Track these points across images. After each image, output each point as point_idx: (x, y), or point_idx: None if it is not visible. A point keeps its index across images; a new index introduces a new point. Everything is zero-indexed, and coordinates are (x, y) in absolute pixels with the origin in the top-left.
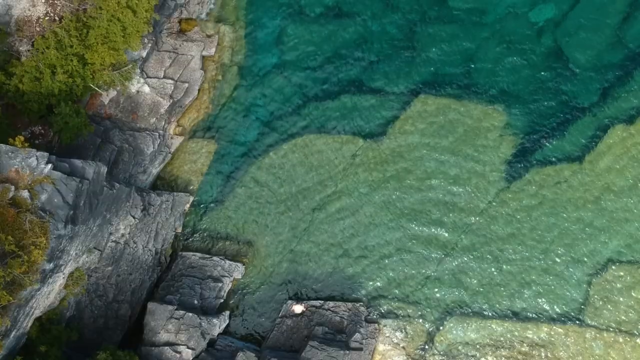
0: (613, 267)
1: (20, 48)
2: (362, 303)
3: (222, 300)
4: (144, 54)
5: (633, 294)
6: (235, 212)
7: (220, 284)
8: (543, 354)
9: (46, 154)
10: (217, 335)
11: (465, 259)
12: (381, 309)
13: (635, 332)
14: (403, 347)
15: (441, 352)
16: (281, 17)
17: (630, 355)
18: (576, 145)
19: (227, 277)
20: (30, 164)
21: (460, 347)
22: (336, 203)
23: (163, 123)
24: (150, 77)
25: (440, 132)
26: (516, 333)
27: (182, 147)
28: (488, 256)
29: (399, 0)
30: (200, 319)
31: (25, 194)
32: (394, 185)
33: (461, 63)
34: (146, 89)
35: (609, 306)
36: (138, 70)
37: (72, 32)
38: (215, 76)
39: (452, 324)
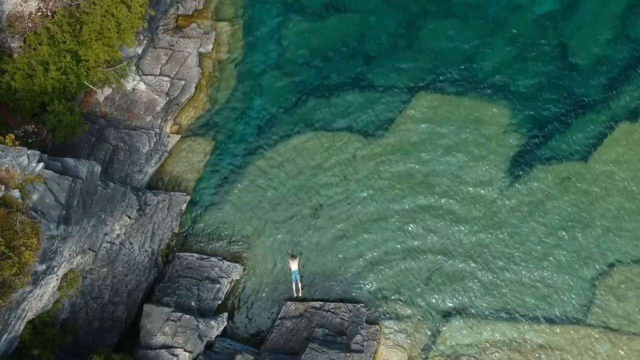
0: (619, 267)
1: (12, 44)
2: (363, 304)
3: (220, 302)
4: (140, 51)
5: (638, 294)
6: (233, 211)
7: (218, 285)
8: (547, 355)
9: (37, 152)
10: (215, 338)
11: (468, 259)
12: (383, 310)
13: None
14: (405, 349)
15: (444, 354)
16: (279, 13)
17: (635, 355)
18: (581, 142)
19: (225, 278)
20: (21, 162)
21: (463, 349)
22: (336, 202)
23: (159, 121)
24: (146, 75)
25: (442, 130)
26: (520, 334)
27: (178, 145)
28: (491, 257)
29: None
30: (197, 321)
31: (16, 193)
32: (394, 185)
33: (463, 59)
34: (142, 86)
35: (613, 307)
36: (133, 68)
37: (65, 27)
38: (212, 73)
39: (455, 325)
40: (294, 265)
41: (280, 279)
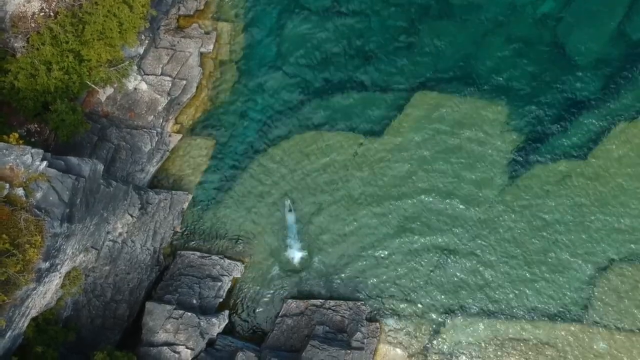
0: (617, 265)
1: (15, 44)
2: (363, 302)
3: (221, 300)
4: (141, 51)
5: (637, 292)
6: (234, 210)
7: (219, 283)
8: (546, 353)
9: (41, 151)
10: (217, 335)
11: (467, 258)
12: (383, 307)
13: (638, 329)
14: (405, 347)
15: (443, 352)
16: (280, 13)
17: (634, 352)
18: (579, 141)
19: (226, 276)
20: (25, 161)
21: (462, 347)
22: (337, 201)
23: (161, 121)
24: (148, 74)
25: (441, 129)
26: (519, 332)
27: (180, 145)
28: (490, 255)
29: None
30: (199, 318)
31: (20, 191)
32: (395, 183)
33: (462, 58)
34: (143, 86)
35: (612, 304)
36: (135, 67)
37: (68, 27)
38: (213, 73)
39: (454, 323)
40: (290, 216)
41: (281, 277)
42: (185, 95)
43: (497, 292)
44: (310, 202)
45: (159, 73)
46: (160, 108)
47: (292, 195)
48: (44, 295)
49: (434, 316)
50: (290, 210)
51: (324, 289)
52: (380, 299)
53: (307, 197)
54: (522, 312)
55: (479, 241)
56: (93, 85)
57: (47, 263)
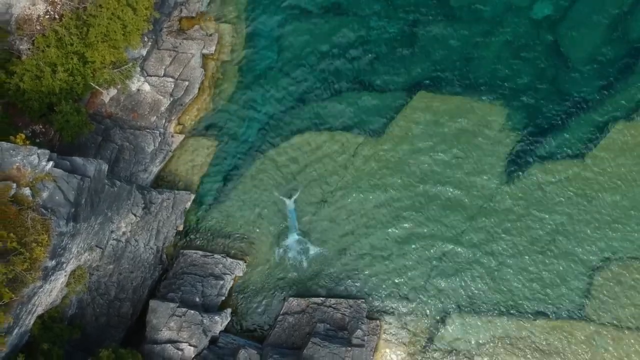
0: (616, 263)
1: (21, 47)
2: (363, 300)
3: (223, 298)
4: (144, 53)
5: (636, 289)
6: (236, 209)
7: (221, 282)
8: (547, 351)
9: (47, 151)
10: (219, 333)
11: (467, 256)
12: (383, 305)
13: (638, 326)
14: (405, 344)
15: (443, 349)
16: (281, 15)
17: (633, 350)
18: (577, 141)
19: (228, 274)
20: (32, 161)
21: (462, 344)
22: (337, 200)
23: (163, 121)
24: (151, 76)
25: (440, 129)
26: (518, 330)
27: (182, 145)
28: (489, 253)
29: None
30: (202, 316)
31: (26, 191)
32: (394, 182)
33: (461, 60)
34: (146, 87)
35: (611, 302)
36: (138, 69)
37: (73, 30)
38: (215, 74)
39: (454, 321)
40: (290, 205)
41: (283, 275)
42: (188, 96)
43: (498, 290)
44: (311, 201)
45: (162, 74)
46: (163, 109)
47: (293, 194)
48: (49, 293)
49: (433, 314)
50: (290, 198)
51: (325, 287)
52: (380, 296)
53: (308, 196)
54: (524, 310)
55: (477, 242)
56: (97, 87)
57: (53, 261)
